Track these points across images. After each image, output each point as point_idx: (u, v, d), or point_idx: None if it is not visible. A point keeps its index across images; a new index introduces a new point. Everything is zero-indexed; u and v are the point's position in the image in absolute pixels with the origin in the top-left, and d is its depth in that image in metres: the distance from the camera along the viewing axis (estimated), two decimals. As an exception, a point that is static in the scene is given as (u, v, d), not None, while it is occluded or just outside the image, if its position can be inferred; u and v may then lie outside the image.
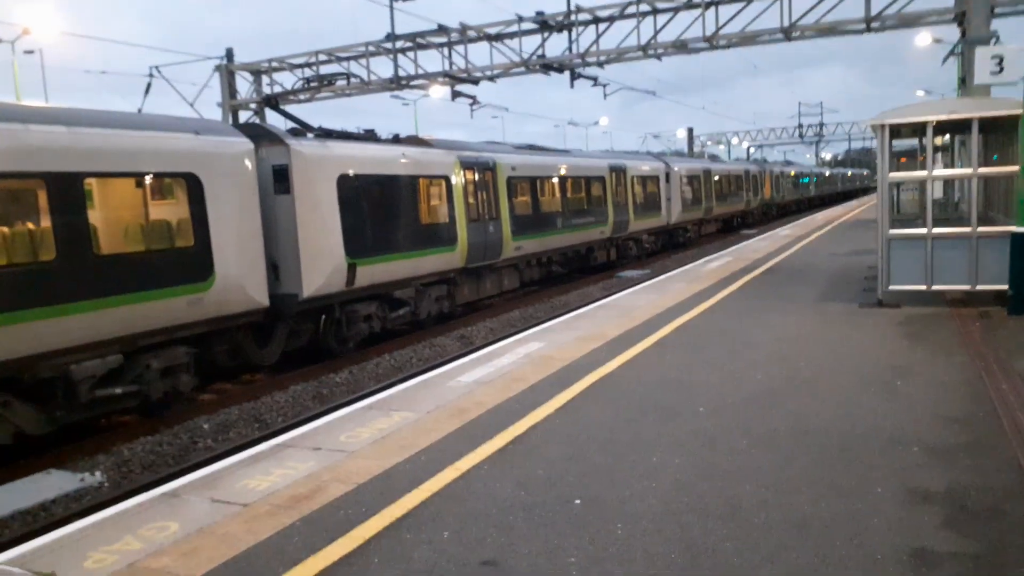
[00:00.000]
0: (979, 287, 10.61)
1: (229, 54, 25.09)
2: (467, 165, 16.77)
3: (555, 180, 21.26)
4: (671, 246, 31.30)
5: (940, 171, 15.04)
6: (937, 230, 10.90)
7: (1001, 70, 10.03)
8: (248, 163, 11.05)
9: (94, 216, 9.26)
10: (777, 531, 4.40)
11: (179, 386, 10.26)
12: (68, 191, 8.73)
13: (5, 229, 8.52)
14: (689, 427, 6.31)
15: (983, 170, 11.49)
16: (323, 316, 12.97)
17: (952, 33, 21.47)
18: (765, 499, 4.82)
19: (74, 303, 8.69)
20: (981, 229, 10.62)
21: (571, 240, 21.94)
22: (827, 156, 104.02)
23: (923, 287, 10.93)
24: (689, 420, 6.50)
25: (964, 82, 19.42)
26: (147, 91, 18.77)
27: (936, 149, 14.10)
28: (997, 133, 12.98)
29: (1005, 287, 10.21)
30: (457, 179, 16.27)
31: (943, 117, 10.82)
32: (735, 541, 4.31)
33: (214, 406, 10.84)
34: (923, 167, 11.92)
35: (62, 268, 8.62)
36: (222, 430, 9.87)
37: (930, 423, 6.10)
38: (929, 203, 11.30)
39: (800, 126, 72.80)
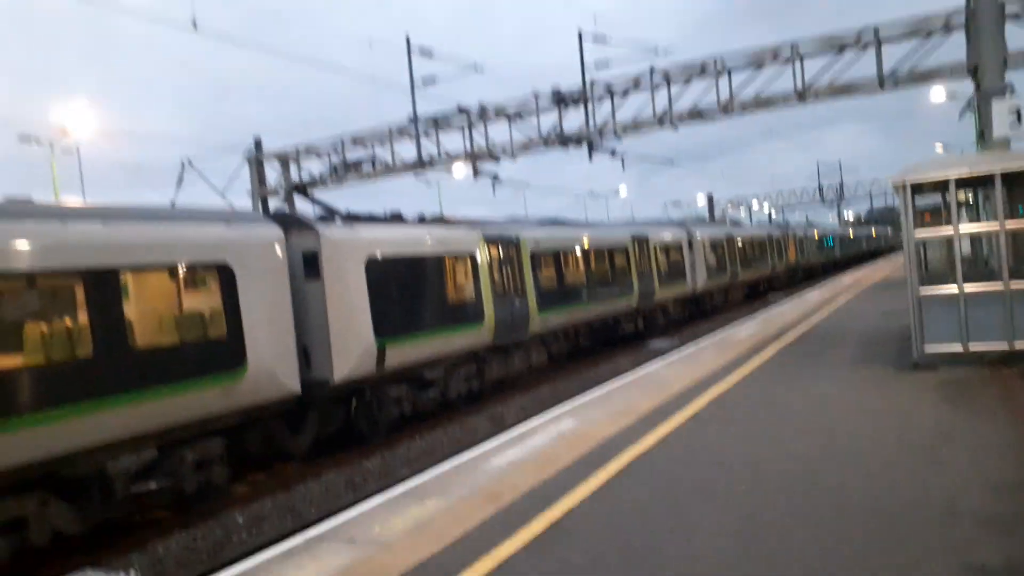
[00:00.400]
0: (1018, 346, 10.36)
1: (257, 143, 25.91)
2: (491, 241, 16.95)
3: (578, 252, 21.37)
4: (698, 314, 31.00)
5: (966, 227, 14.90)
6: (969, 287, 10.73)
7: (1019, 122, 10.01)
8: (279, 251, 11.26)
9: (129, 310, 9.44)
10: (830, 618, 4.22)
11: (213, 478, 10.24)
12: (104, 286, 8.93)
13: (44, 326, 8.71)
14: (730, 506, 6.15)
15: (1010, 224, 11.37)
16: (354, 400, 12.97)
17: (966, 86, 21.62)
18: (815, 583, 4.65)
19: (111, 397, 8.78)
20: (1014, 284, 10.44)
21: (597, 312, 21.88)
22: (849, 215, 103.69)
23: (959, 347, 10.70)
24: (729, 499, 6.34)
25: (983, 135, 19.43)
26: (179, 183, 19.35)
27: (960, 204, 14.00)
28: (1021, 186, 12.89)
29: (1045, 344, 9.98)
30: (482, 256, 16.43)
31: (964, 173, 10.80)
32: (787, 631, 4.14)
33: (247, 498, 10.78)
34: (948, 223, 11.83)
35: (99, 363, 8.76)
36: (256, 523, 9.79)
37: (980, 491, 5.89)
38: (958, 260, 11.17)
39: (820, 186, 72.97)
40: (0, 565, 8.14)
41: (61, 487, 8.60)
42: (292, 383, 11.22)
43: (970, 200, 18.05)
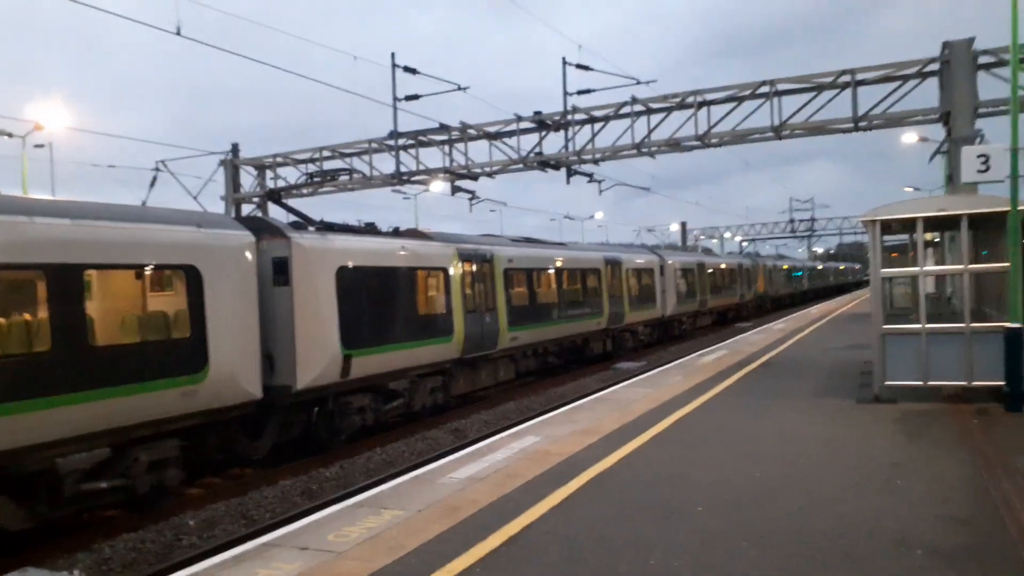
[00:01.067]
0: (975, 383, 10.56)
1: (234, 149, 25.72)
2: (465, 257, 16.96)
3: (551, 272, 21.46)
4: (666, 338, 31.32)
5: (932, 267, 15.23)
6: (931, 326, 10.93)
7: (987, 168, 10.28)
8: (249, 255, 11.15)
9: (92, 308, 9.28)
10: (779, 641, 4.23)
11: (166, 480, 10.03)
12: (68, 283, 8.77)
13: (2, 320, 8.52)
14: (688, 527, 6.16)
15: (973, 267, 11.64)
16: (316, 408, 12.82)
17: (937, 131, 22.15)
18: (766, 606, 4.66)
19: (68, 395, 8.60)
20: (975, 325, 10.66)
21: (567, 331, 21.96)
22: (819, 250, 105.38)
23: (919, 383, 10.88)
24: (687, 519, 6.35)
25: (951, 179, 19.89)
26: (152, 184, 19.14)
27: (927, 244, 14.32)
28: (986, 229, 13.20)
29: (1001, 383, 10.17)
30: (455, 271, 16.41)
31: (933, 214, 11.04)
32: (736, 652, 4.14)
33: (201, 501, 10.57)
34: (914, 262, 12.08)
35: (57, 359, 8.58)
36: (208, 527, 9.59)
37: (932, 523, 5.96)
38: (922, 298, 11.39)
39: (792, 220, 74.06)
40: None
41: (6, 483, 8.36)
42: (254, 388, 11.07)
43: (936, 241, 18.46)
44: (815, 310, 40.95)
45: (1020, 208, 10.14)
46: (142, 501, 9.91)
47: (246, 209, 26.12)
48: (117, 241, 9.41)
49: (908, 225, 12.07)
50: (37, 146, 28.60)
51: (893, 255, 20.19)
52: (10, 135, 26.68)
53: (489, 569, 5.49)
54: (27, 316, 8.77)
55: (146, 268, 10.00)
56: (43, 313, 8.68)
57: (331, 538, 6.34)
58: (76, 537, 9.17)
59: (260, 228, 12.08)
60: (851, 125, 19.29)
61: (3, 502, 8.31)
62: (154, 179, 19.12)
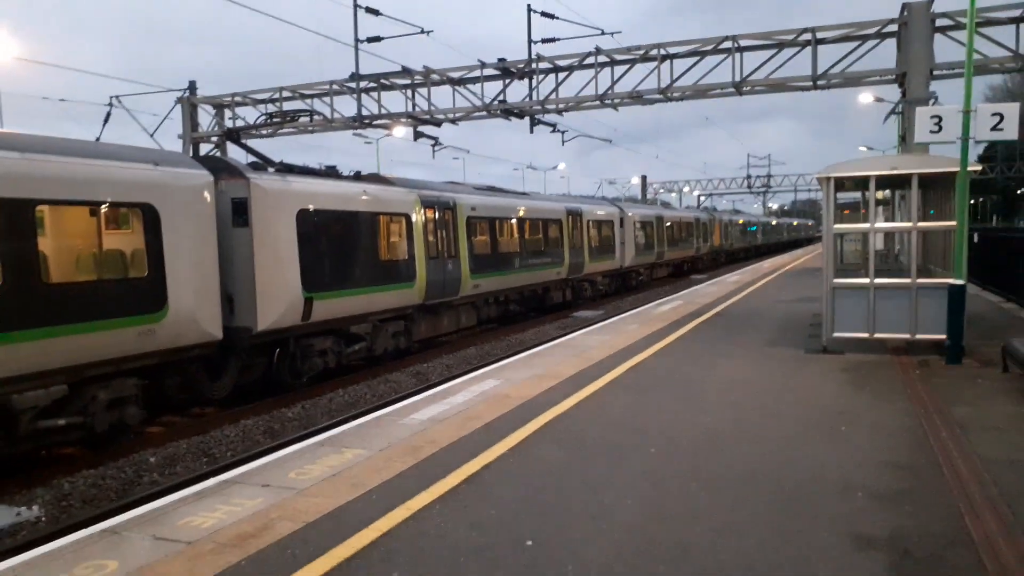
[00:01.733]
0: (919, 336, 11.00)
1: (192, 87, 24.99)
2: (428, 204, 16.90)
3: (513, 221, 21.52)
4: (624, 289, 31.78)
5: (882, 224, 15.62)
6: (879, 281, 11.30)
7: (940, 129, 10.53)
8: (207, 195, 10.99)
9: (44, 244, 9.09)
10: (727, 575, 4.48)
11: (126, 419, 10.02)
12: (18, 217, 8.57)
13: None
14: (640, 468, 6.40)
15: (922, 224, 12.02)
16: (277, 350, 12.83)
17: (893, 92, 22.54)
18: (714, 542, 4.91)
19: (19, 331, 8.48)
20: (920, 280, 11.05)
21: (528, 280, 22.16)
22: (774, 206, 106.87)
23: (866, 335, 11.28)
24: (640, 461, 6.59)
25: (904, 139, 20.35)
26: (106, 120, 18.59)
27: (878, 203, 14.66)
28: (936, 189, 13.59)
29: (943, 337, 10.61)
30: (417, 217, 16.37)
31: (885, 172, 11.31)
32: (684, 582, 4.38)
33: (161, 439, 10.60)
34: (866, 219, 12.41)
35: (9, 295, 8.43)
36: (169, 464, 9.65)
37: (873, 469, 6.28)
38: (871, 254, 11.74)
39: (749, 176, 74.87)
40: None
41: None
42: (214, 328, 11.03)
43: (888, 199, 18.92)
44: (767, 264, 41.77)
45: (969, 169, 10.45)
46: (102, 439, 9.90)
47: (204, 149, 25.50)
48: (70, 177, 9.19)
49: (861, 183, 12.37)
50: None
51: (845, 212, 20.70)
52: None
53: (448, 505, 5.66)
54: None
55: (101, 206, 9.80)
56: (-7, 249, 8.49)
57: (292, 475, 6.45)
58: (35, 474, 9.14)
59: (219, 168, 11.89)
60: (810, 83, 19.53)
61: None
62: (108, 115, 18.56)
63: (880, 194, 16.71)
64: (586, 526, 5.22)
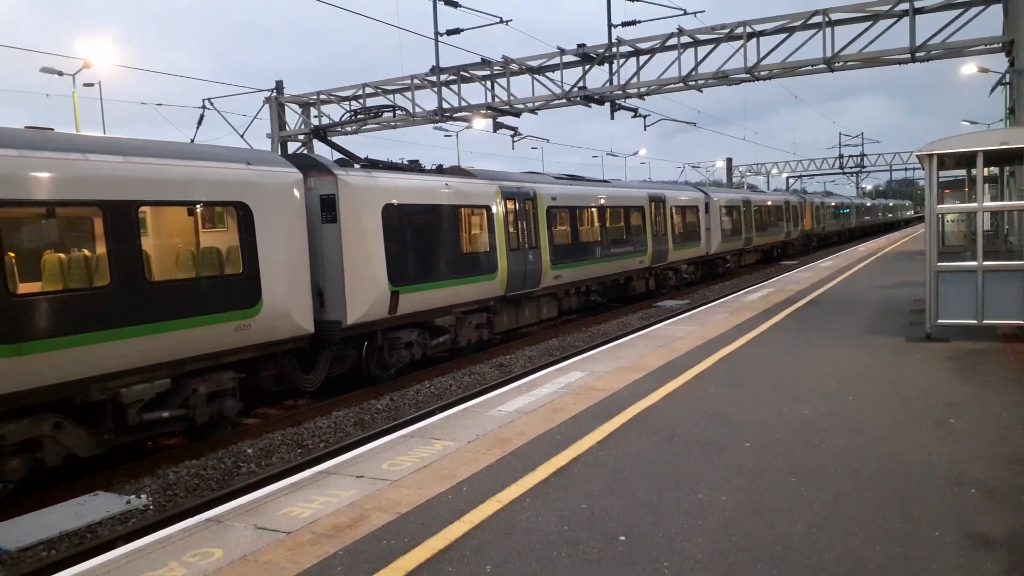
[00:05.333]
0: (1033, 322, 10.31)
1: (279, 87, 25.72)
2: (508, 195, 16.90)
3: (594, 210, 21.29)
4: (710, 276, 31.08)
5: (991, 203, 14.74)
6: (988, 263, 10.65)
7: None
8: (297, 193, 11.27)
9: (147, 243, 9.50)
10: (830, 574, 4.29)
11: (224, 410, 10.41)
12: (123, 219, 8.98)
13: (63, 255, 8.79)
14: (735, 462, 6.21)
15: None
16: (365, 343, 13.11)
17: (1000, 62, 21.18)
18: (816, 540, 4.71)
19: (126, 328, 8.90)
20: (1034, 263, 10.35)
21: (610, 269, 21.91)
22: (868, 187, 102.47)
23: (973, 321, 10.66)
24: (735, 455, 6.40)
25: (1013, 112, 19.08)
26: (200, 122, 19.34)
27: (984, 180, 13.82)
28: (1050, 165, 12.70)
29: (1061, 322, 9.93)
30: (498, 209, 16.39)
31: (994, 147, 10.63)
32: (786, 582, 4.21)
33: (258, 431, 10.97)
34: (970, 198, 11.70)
35: (116, 294, 8.85)
36: (265, 455, 9.97)
37: (987, 463, 5.92)
38: (979, 235, 11.07)
39: (841, 156, 71.90)
40: (16, 483, 8.35)
41: (75, 411, 8.76)
42: (306, 322, 11.34)
43: (994, 176, 17.82)
44: (863, 248, 40.12)
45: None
46: (202, 430, 10.31)
47: (292, 147, 26.25)
48: (169, 179, 9.57)
49: (964, 160, 11.67)
50: (87, 84, 28.97)
51: (946, 191, 19.61)
52: (60, 73, 27.01)
53: (539, 499, 5.62)
54: (86, 252, 9.02)
55: (198, 205, 10.18)
56: (100, 249, 8.92)
57: (385, 467, 6.54)
58: (142, 464, 9.61)
59: (307, 165, 12.18)
60: (908, 56, 18.54)
61: (73, 429, 8.72)
62: (201, 117, 19.32)
63: (986, 171, 15.76)
64: (680, 521, 5.09)
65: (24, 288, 8.30)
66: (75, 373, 8.46)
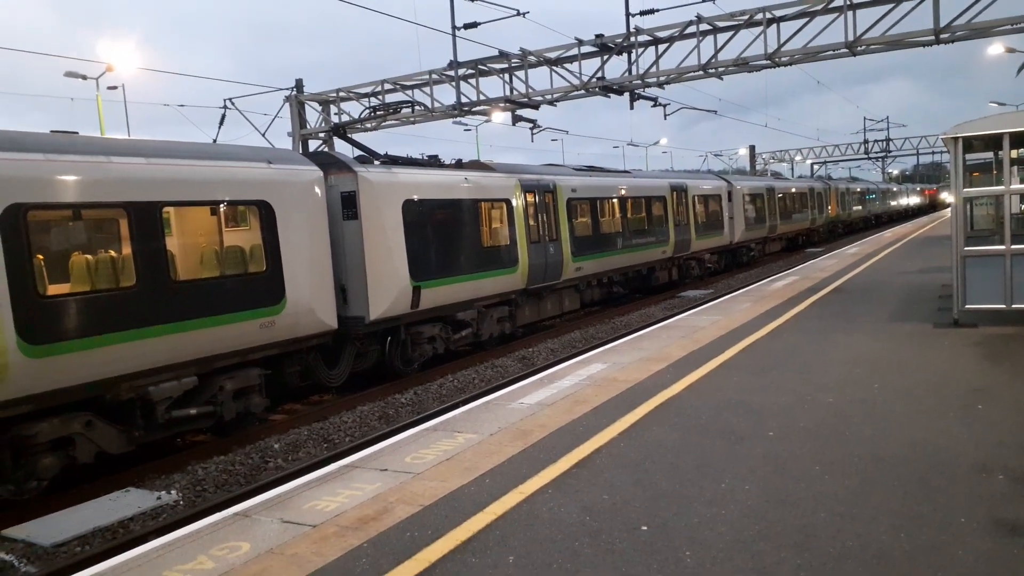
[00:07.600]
0: (1064, 306, 10.13)
1: (299, 85, 25.86)
2: (528, 188, 16.90)
3: (615, 200, 21.23)
4: (734, 265, 30.83)
5: (1018, 186, 14.47)
6: (1016, 247, 10.47)
7: (1082, 79, 9.61)
8: (318, 190, 11.36)
9: (172, 243, 9.64)
10: (854, 562, 4.26)
11: (251, 407, 10.54)
12: (147, 220, 9.11)
13: (90, 257, 8.94)
14: (758, 452, 6.19)
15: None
16: (389, 338, 13.20)
17: (1028, 42, 20.71)
18: (840, 528, 4.69)
19: (153, 327, 9.04)
20: (1064, 246, 10.17)
21: (632, 260, 21.83)
22: (894, 172, 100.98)
23: (1002, 306, 10.50)
24: (758, 444, 6.38)
25: (1041, 93, 18.65)
26: (221, 122, 19.56)
27: (1012, 162, 13.57)
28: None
29: (1092, 306, 9.75)
30: (518, 202, 16.40)
31: (1021, 129, 10.44)
32: (809, 571, 4.19)
33: (284, 426, 11.10)
34: (997, 181, 11.51)
35: (142, 294, 8.99)
36: (292, 450, 10.09)
37: (1016, 450, 5.84)
38: (1007, 219, 10.89)
39: (866, 141, 70.83)
40: (50, 481, 8.53)
41: (105, 409, 8.92)
42: (329, 319, 11.44)
43: (1023, 158, 17.50)
44: (889, 234, 39.60)
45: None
46: (229, 427, 10.46)
47: (312, 144, 26.41)
48: (191, 179, 9.69)
49: (992, 142, 11.47)
50: (110, 87, 29.35)
51: (974, 175, 19.29)
52: (84, 77, 27.39)
53: (561, 490, 5.64)
54: (112, 253, 9.17)
55: (221, 205, 10.30)
56: (126, 250, 9.06)
57: (408, 460, 6.60)
58: (172, 460, 9.76)
59: (328, 163, 12.27)
60: (932, 38, 18.17)
61: (104, 427, 8.88)
62: (223, 117, 19.52)
63: (1014, 153, 15.49)
64: (703, 511, 5.09)
65: (53, 289, 8.47)
66: (105, 372, 8.61)
